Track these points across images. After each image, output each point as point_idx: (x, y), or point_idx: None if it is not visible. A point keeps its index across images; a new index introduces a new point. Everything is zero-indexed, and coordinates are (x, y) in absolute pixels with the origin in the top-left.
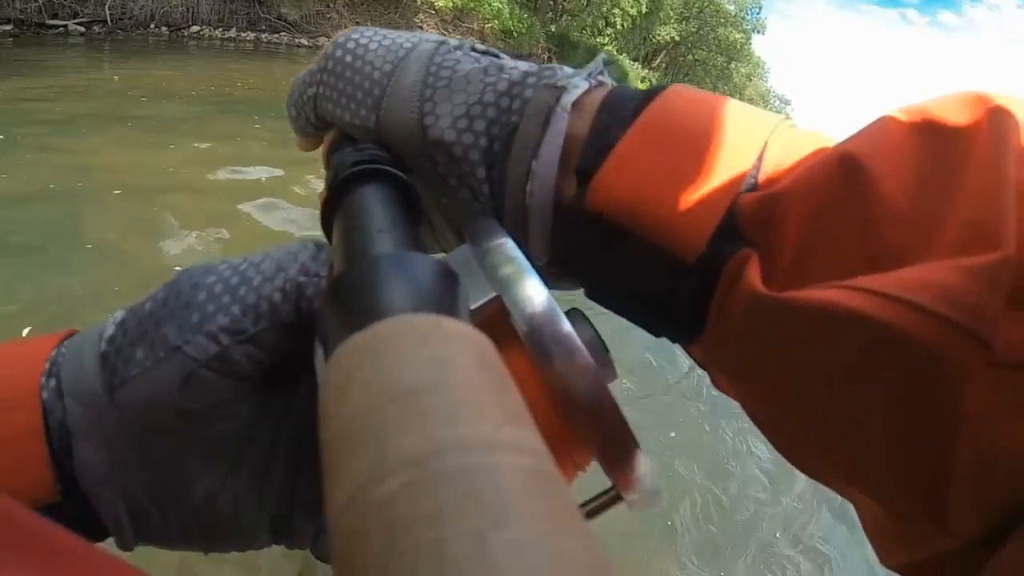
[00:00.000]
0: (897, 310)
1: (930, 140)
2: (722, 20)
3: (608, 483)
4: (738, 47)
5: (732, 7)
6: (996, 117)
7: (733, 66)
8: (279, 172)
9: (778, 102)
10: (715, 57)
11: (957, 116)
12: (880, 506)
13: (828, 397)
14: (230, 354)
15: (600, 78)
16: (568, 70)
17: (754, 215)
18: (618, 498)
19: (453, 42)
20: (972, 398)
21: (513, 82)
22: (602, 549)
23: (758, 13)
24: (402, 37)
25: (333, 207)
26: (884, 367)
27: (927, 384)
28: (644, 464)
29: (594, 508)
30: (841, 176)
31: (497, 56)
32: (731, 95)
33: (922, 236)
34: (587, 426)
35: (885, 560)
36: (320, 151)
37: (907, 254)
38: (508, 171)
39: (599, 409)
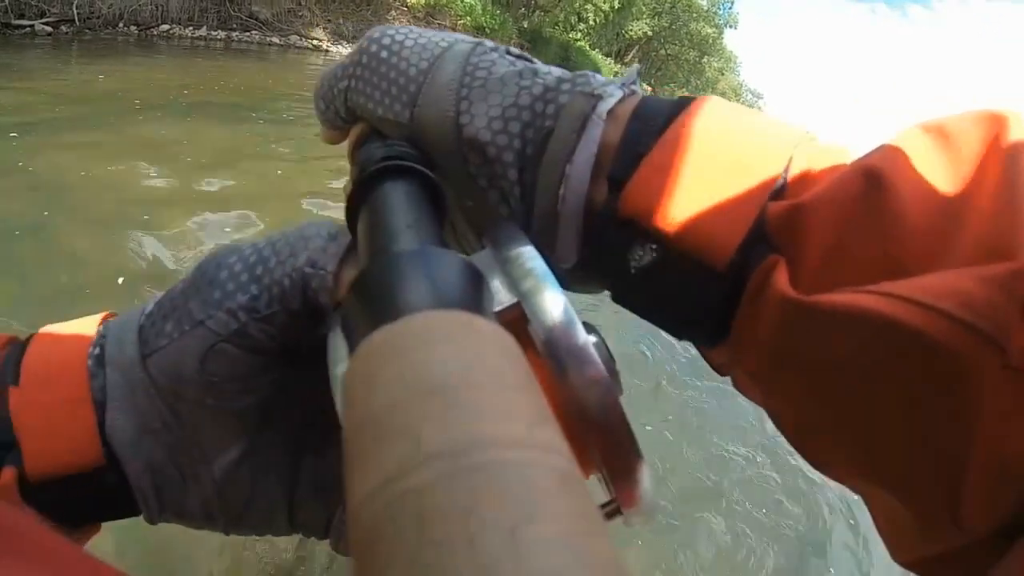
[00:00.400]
0: (925, 315)
1: (948, 157)
2: (694, 15)
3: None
4: (710, 42)
5: (704, 2)
6: (1011, 136)
7: (705, 60)
8: (263, 177)
9: (750, 96)
10: (688, 52)
11: (974, 134)
12: (897, 500)
13: (853, 396)
14: (248, 330)
15: (632, 87)
16: (601, 78)
17: (782, 223)
18: (617, 512)
19: (489, 44)
20: (990, 400)
21: (548, 87)
22: (618, 551)
23: (730, 8)
24: (437, 36)
25: (359, 201)
26: (910, 369)
27: (949, 386)
28: (647, 480)
29: None
30: (864, 189)
31: (531, 61)
32: (703, 89)
33: (939, 248)
34: (596, 438)
35: (897, 556)
36: (345, 144)
37: (926, 265)
38: (540, 174)
39: (608, 422)
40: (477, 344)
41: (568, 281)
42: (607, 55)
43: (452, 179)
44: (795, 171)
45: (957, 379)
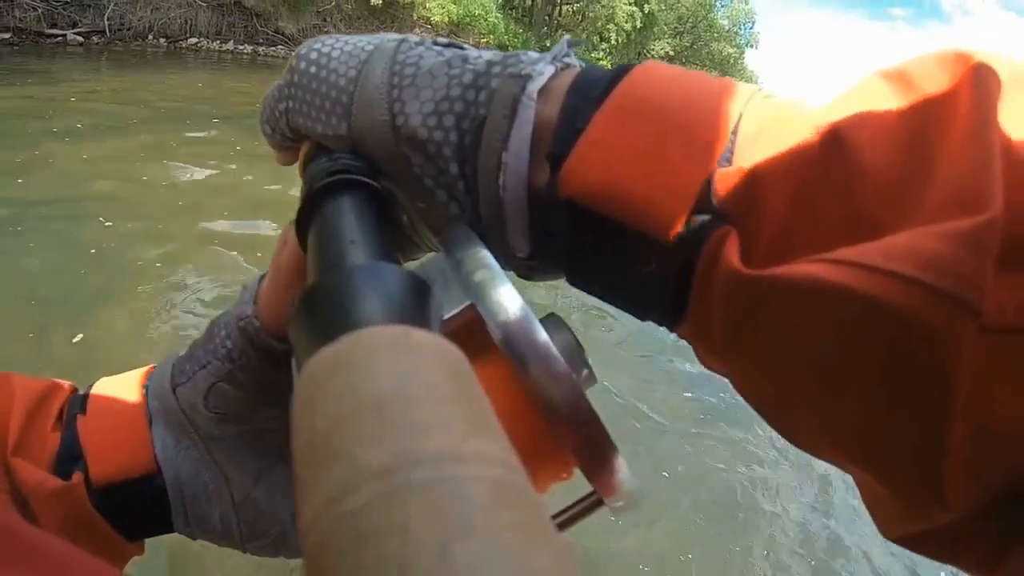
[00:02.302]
0: (879, 281)
1: (911, 104)
2: (715, 35)
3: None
4: (731, 62)
5: (725, 22)
6: (979, 76)
7: None
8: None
9: None
10: (709, 71)
11: (938, 77)
12: (876, 480)
13: (815, 373)
14: (234, 374)
15: (566, 60)
16: (532, 55)
17: (731, 191)
18: (599, 503)
19: (414, 38)
20: (964, 367)
21: (478, 73)
22: (573, 558)
23: (751, 27)
24: (363, 40)
25: (307, 219)
26: (870, 340)
27: (915, 354)
28: (624, 469)
29: (575, 514)
30: (821, 147)
31: (460, 48)
32: None
33: (906, 203)
34: (566, 433)
35: (886, 533)
36: (298, 163)
37: (891, 222)
38: (479, 165)
39: (577, 416)
40: (413, 358)
41: (526, 271)
42: None
43: (400, 183)
44: (745, 132)
45: (924, 347)
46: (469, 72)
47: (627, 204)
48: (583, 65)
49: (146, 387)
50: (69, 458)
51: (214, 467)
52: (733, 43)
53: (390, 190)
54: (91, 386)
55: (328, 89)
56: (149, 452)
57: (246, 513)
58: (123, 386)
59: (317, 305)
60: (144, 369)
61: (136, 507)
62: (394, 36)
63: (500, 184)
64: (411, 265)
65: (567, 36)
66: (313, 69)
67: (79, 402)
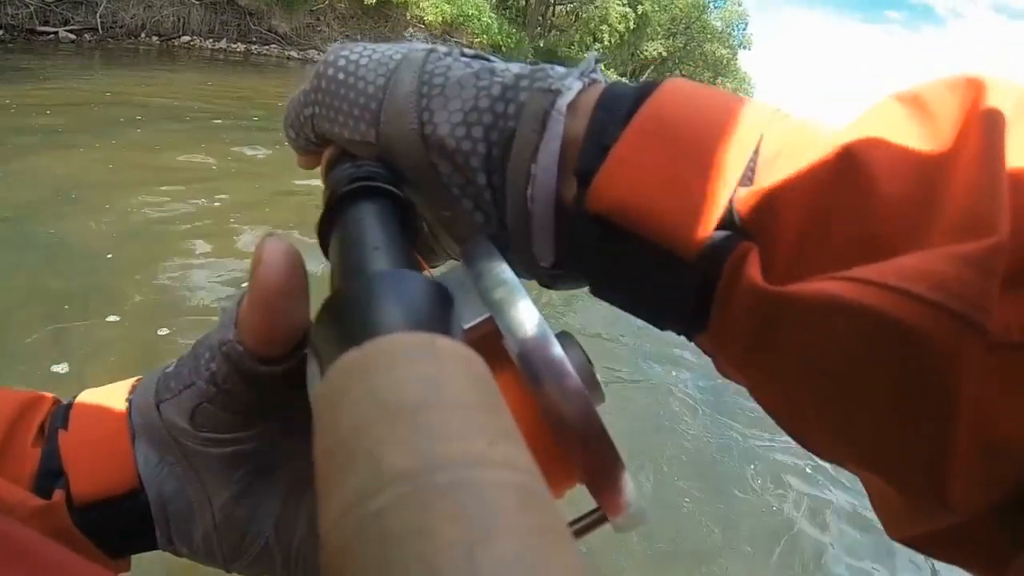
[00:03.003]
0: (893, 299)
1: (925, 129)
2: (709, 36)
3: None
4: (724, 63)
5: (718, 23)
6: (988, 104)
7: (719, 81)
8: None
9: None
10: (702, 73)
11: (950, 102)
12: (887, 485)
13: (829, 385)
14: (219, 396)
15: (593, 76)
16: (560, 70)
17: (752, 209)
18: (604, 519)
19: (442, 48)
20: (969, 381)
21: (507, 86)
22: (588, 567)
23: (744, 29)
24: (391, 49)
25: (330, 224)
26: (882, 355)
27: (925, 369)
28: (630, 487)
29: (580, 528)
30: (837, 167)
31: (487, 59)
32: None
33: (918, 226)
34: (575, 449)
35: (892, 533)
36: (320, 168)
37: (903, 244)
38: (508, 177)
39: (587, 433)
40: (438, 365)
41: (548, 280)
42: (622, 75)
43: (426, 191)
44: (766, 153)
45: (934, 363)
46: (497, 84)
47: (653, 222)
48: (607, 81)
49: (130, 401)
50: (50, 474)
51: (198, 484)
52: (726, 44)
53: (412, 198)
54: (74, 398)
55: (357, 96)
56: (132, 469)
57: (228, 532)
58: (106, 400)
59: (341, 311)
60: (129, 382)
61: (119, 525)
62: (422, 46)
63: (529, 196)
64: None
65: (593, 52)
66: (341, 76)
67: (61, 416)
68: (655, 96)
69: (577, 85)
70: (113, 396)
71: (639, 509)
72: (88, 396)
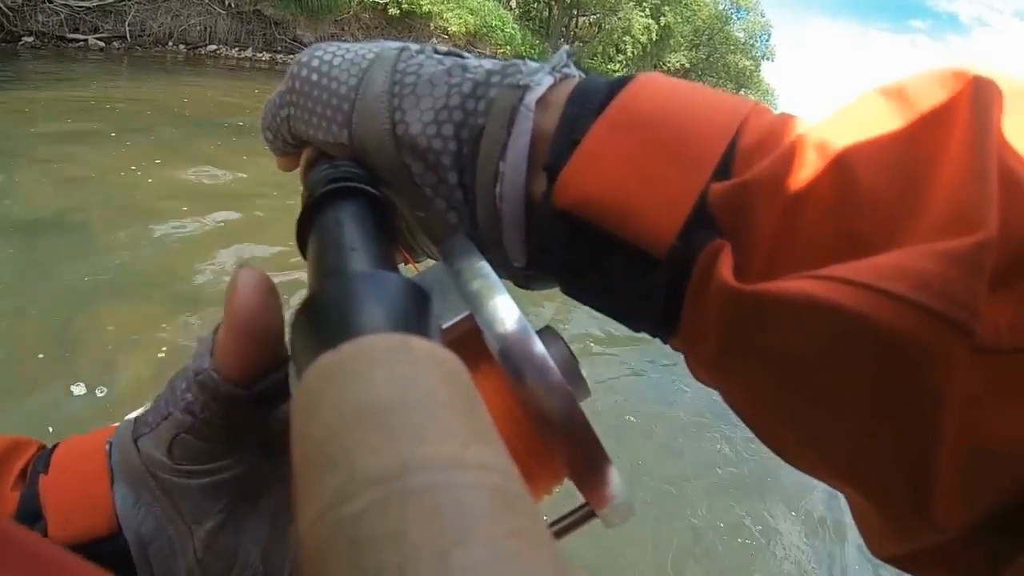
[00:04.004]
0: (870, 299)
1: (908, 122)
2: (732, 47)
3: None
4: (747, 74)
5: (741, 34)
6: (977, 93)
7: (742, 93)
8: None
9: None
10: (725, 84)
11: (937, 94)
12: (865, 499)
13: (806, 390)
14: (197, 426)
15: (565, 71)
16: (532, 65)
17: (727, 204)
18: (592, 515)
19: (414, 46)
20: (954, 386)
21: (477, 83)
22: (568, 565)
23: (767, 40)
24: (364, 48)
25: (307, 225)
26: (859, 358)
27: (905, 374)
28: (616, 479)
29: (569, 524)
30: (815, 163)
31: (460, 56)
32: None
33: (899, 222)
34: (560, 443)
35: (875, 551)
36: (299, 169)
37: (886, 240)
38: (477, 175)
39: (570, 427)
40: (413, 366)
41: (523, 280)
42: None
43: (400, 191)
44: (743, 147)
45: (913, 366)
46: (468, 81)
47: (621, 216)
48: (582, 75)
49: (109, 443)
50: (28, 517)
51: (178, 521)
52: (749, 56)
53: (390, 198)
54: (57, 444)
55: (329, 97)
56: (110, 511)
57: (212, 564)
58: (88, 444)
59: (317, 312)
60: (114, 425)
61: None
62: (394, 44)
63: (497, 194)
64: (410, 273)
65: (566, 46)
66: (314, 76)
67: (43, 460)
68: (628, 89)
69: (548, 80)
70: (95, 440)
71: (625, 502)
72: (72, 441)
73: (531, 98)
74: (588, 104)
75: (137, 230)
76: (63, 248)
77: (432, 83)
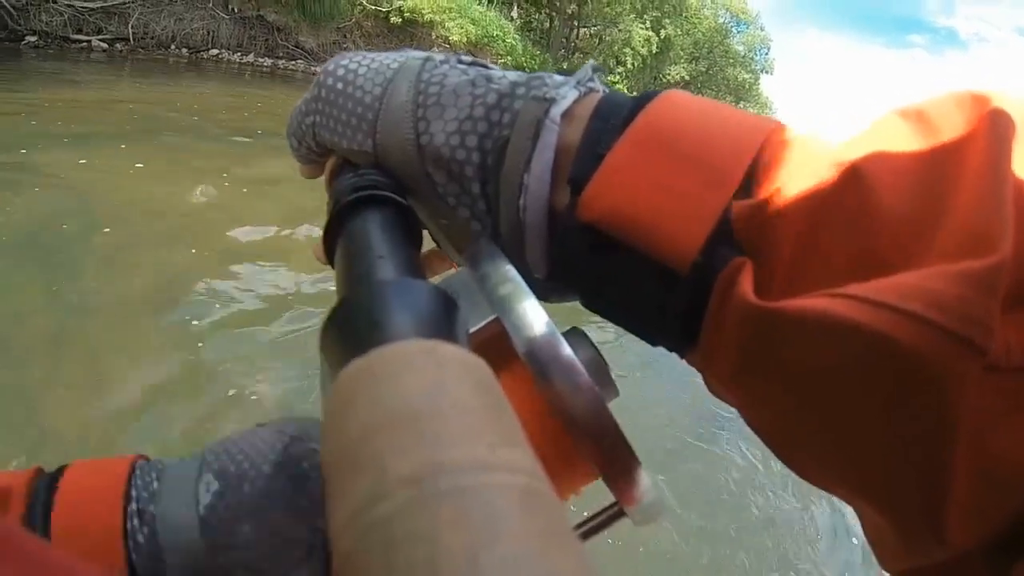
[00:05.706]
0: (888, 317)
1: (928, 145)
2: (731, 60)
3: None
4: (747, 87)
5: (741, 48)
6: (994, 121)
7: (741, 106)
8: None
9: None
10: (724, 96)
11: (955, 118)
12: (879, 515)
13: (823, 407)
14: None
15: (590, 84)
16: (557, 78)
17: (748, 222)
18: (621, 513)
19: (439, 56)
20: (968, 405)
21: (502, 94)
22: (593, 566)
23: (766, 53)
24: (389, 58)
25: (335, 234)
26: (878, 375)
27: (921, 391)
28: (645, 479)
29: (599, 523)
30: (837, 183)
31: (485, 67)
32: None
33: (919, 242)
34: (588, 444)
35: (886, 566)
36: (323, 177)
37: (904, 260)
38: (501, 186)
39: (599, 428)
40: (441, 371)
41: (543, 292)
42: None
43: (423, 200)
44: (764, 165)
45: (929, 384)
46: (493, 92)
47: (645, 232)
48: (606, 90)
49: (146, 525)
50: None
51: None
52: (748, 69)
53: (414, 206)
54: (56, 480)
55: (354, 106)
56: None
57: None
58: (98, 511)
59: (348, 319)
60: (124, 461)
61: None
62: (419, 53)
63: (521, 206)
64: (435, 279)
65: (592, 61)
66: (340, 85)
67: (40, 518)
68: (652, 105)
69: (573, 94)
70: (106, 492)
71: (655, 500)
72: (73, 494)
73: (556, 111)
74: (612, 119)
75: (137, 231)
76: (62, 250)
77: (456, 93)
